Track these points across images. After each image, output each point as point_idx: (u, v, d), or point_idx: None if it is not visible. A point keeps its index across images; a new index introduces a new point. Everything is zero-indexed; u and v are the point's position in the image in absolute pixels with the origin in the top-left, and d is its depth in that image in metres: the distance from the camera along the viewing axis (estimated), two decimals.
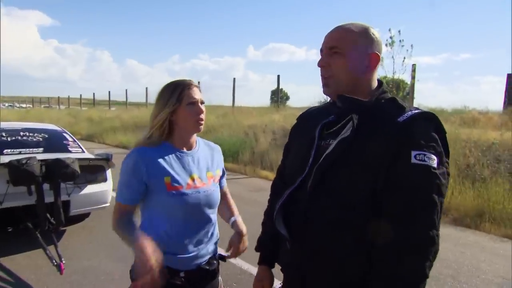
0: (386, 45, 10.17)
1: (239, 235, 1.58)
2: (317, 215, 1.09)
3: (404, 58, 9.88)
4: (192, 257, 1.44)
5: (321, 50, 1.16)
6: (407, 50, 9.86)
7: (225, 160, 7.01)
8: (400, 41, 9.97)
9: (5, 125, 5.02)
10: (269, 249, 1.40)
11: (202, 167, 1.50)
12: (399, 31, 10.18)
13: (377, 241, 0.99)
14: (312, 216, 1.10)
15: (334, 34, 1.14)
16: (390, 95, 1.15)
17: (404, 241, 0.96)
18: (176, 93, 1.40)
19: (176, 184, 1.39)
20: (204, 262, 1.49)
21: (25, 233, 3.78)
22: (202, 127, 1.45)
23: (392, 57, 10.09)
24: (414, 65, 9.63)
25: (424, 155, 0.98)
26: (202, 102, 1.45)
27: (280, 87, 14.86)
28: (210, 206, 1.48)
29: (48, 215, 3.65)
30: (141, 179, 1.36)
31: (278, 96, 14.86)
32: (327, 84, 1.15)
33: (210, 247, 1.52)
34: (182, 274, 1.43)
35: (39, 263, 3.45)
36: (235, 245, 1.57)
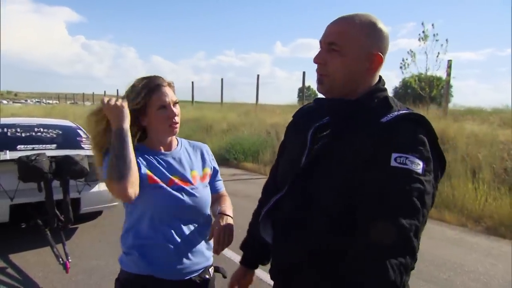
0: (419, 39, 9.87)
1: (220, 216, 1.41)
2: (298, 225, 1.05)
3: (438, 53, 9.51)
4: (183, 267, 1.39)
5: (320, 42, 1.08)
6: (442, 45, 9.49)
7: (244, 160, 6.99)
8: (434, 35, 9.62)
9: (18, 120, 5.20)
10: (252, 251, 1.40)
11: (185, 167, 1.46)
12: (432, 25, 9.81)
13: (353, 246, 0.92)
14: (292, 226, 1.06)
15: (334, 28, 1.05)
16: (385, 94, 1.07)
17: (372, 247, 0.88)
18: (141, 98, 1.36)
19: (156, 179, 1.36)
20: (197, 274, 1.43)
21: (35, 230, 3.89)
22: (177, 130, 1.42)
23: (425, 52, 9.76)
24: (449, 61, 9.30)
25: (407, 158, 0.89)
26: (176, 103, 1.41)
27: (308, 84, 14.72)
28: (197, 207, 1.42)
29: (58, 213, 3.74)
30: None
31: (304, 94, 14.71)
32: (321, 82, 1.08)
33: (202, 256, 1.45)
34: (168, 285, 1.38)
35: (48, 260, 3.54)
36: (216, 230, 1.35)
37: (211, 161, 1.59)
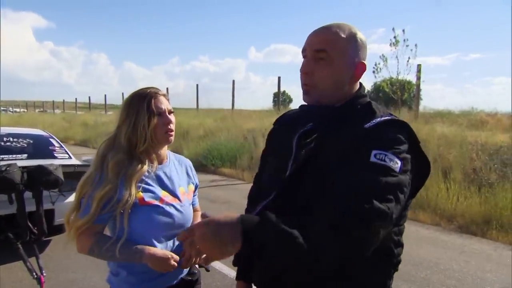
0: (390, 44, 10.12)
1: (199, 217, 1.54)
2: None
3: (409, 58, 9.79)
4: (172, 274, 1.41)
5: (304, 51, 1.08)
6: (411, 50, 9.77)
7: (222, 165, 6.99)
8: (404, 40, 9.91)
9: None
10: (244, 263, 1.35)
11: (174, 183, 1.47)
12: (403, 30, 10.09)
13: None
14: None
15: (321, 36, 1.06)
16: (368, 99, 1.09)
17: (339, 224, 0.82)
18: (145, 104, 1.37)
19: (149, 199, 1.36)
20: (185, 273, 1.48)
21: (6, 244, 3.74)
22: (172, 138, 1.43)
23: (397, 57, 10.02)
24: (419, 66, 9.61)
25: (386, 155, 0.90)
26: (170, 112, 1.43)
27: (283, 89, 14.82)
28: (183, 224, 1.44)
29: (30, 225, 3.60)
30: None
31: (279, 99, 14.83)
32: (308, 93, 1.09)
33: None
34: None
35: (20, 275, 3.42)
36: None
37: (194, 177, 1.62)
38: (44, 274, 3.20)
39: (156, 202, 1.36)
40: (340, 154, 0.96)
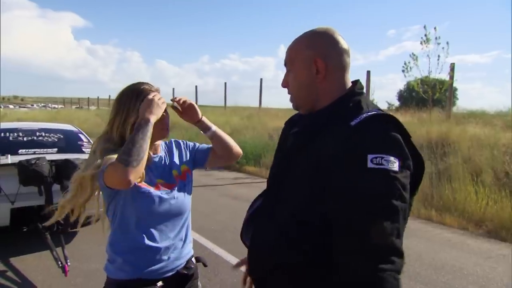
0: (421, 43, 9.85)
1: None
2: (269, 233, 1.09)
3: (439, 56, 9.49)
4: (168, 264, 1.46)
5: None
6: (443, 48, 9.46)
7: (246, 163, 7.01)
8: (436, 38, 9.61)
9: (20, 125, 5.27)
10: None
11: (167, 169, 1.52)
12: (435, 28, 9.79)
13: (333, 255, 0.94)
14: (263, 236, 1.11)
15: (287, 50, 1.15)
16: (360, 97, 1.07)
17: (360, 251, 0.88)
18: (140, 99, 1.40)
19: (143, 188, 1.40)
20: (181, 266, 1.51)
21: (35, 234, 3.94)
22: (167, 133, 1.49)
23: (428, 55, 9.74)
24: (452, 64, 9.29)
25: (382, 158, 0.90)
26: (166, 109, 1.45)
27: None
28: (178, 208, 1.48)
29: None
30: None
31: None
32: (291, 101, 1.17)
33: (185, 250, 1.54)
34: (160, 284, 1.44)
35: (48, 264, 3.58)
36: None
37: (186, 149, 1.63)
38: (69, 264, 3.36)
39: (151, 190, 1.41)
40: (328, 157, 0.96)
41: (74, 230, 4.31)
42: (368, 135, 0.94)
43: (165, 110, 1.44)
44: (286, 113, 13.32)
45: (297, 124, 1.20)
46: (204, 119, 1.60)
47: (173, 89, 20.62)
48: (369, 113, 0.99)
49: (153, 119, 1.33)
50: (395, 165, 0.91)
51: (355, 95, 1.07)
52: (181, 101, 1.54)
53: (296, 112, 1.34)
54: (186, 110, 1.56)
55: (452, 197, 5.55)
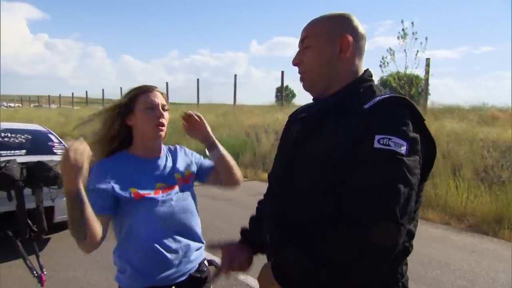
0: (398, 37, 10.10)
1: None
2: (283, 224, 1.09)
3: (418, 51, 9.77)
4: (180, 268, 1.45)
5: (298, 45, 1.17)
6: (421, 43, 9.75)
7: None
8: (413, 33, 9.88)
9: None
10: (251, 232, 1.38)
11: (169, 173, 1.51)
12: (412, 23, 10.06)
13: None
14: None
15: (306, 26, 1.14)
16: (371, 83, 1.10)
17: (352, 238, 0.89)
18: (129, 96, 1.43)
19: (143, 192, 1.39)
20: (194, 270, 1.50)
21: (5, 242, 3.76)
22: (163, 133, 1.45)
23: (405, 50, 10.00)
24: (428, 59, 9.58)
25: (390, 139, 0.90)
26: (165, 108, 1.45)
27: (286, 84, 14.78)
28: (184, 211, 1.48)
29: (30, 222, 3.63)
30: (109, 190, 1.36)
31: (282, 94, 14.82)
32: (303, 80, 1.16)
33: (196, 253, 1.52)
34: None
35: (20, 273, 3.44)
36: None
37: (192, 158, 1.64)
38: (45, 273, 3.23)
39: (152, 195, 1.40)
40: (339, 144, 0.96)
41: (47, 236, 4.15)
42: (379, 117, 0.95)
43: (159, 108, 1.42)
44: (261, 110, 13.38)
45: (303, 112, 1.21)
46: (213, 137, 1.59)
47: (167, 83, 20.19)
48: (382, 96, 1.00)
49: (73, 185, 1.13)
50: (402, 148, 0.91)
51: (366, 81, 1.10)
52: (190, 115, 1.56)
53: (296, 111, 1.35)
54: (193, 123, 1.57)
55: (433, 192, 5.73)
